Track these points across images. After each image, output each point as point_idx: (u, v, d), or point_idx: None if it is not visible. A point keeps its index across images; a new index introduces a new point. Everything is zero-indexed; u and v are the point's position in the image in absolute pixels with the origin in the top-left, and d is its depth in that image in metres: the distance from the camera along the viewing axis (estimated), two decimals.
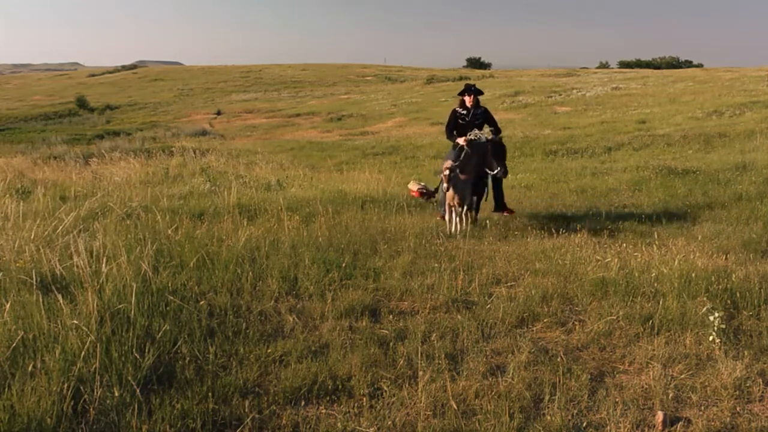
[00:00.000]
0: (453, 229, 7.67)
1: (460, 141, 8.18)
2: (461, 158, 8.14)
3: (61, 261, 4.90)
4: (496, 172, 7.86)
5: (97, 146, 23.68)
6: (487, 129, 8.36)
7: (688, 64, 78.67)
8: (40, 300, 4.05)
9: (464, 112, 8.41)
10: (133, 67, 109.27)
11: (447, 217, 7.95)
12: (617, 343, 4.16)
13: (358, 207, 8.54)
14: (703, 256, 5.75)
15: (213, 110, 50.24)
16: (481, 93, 8.57)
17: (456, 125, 8.47)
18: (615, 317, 4.47)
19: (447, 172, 7.83)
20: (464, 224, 7.70)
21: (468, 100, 8.40)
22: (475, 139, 8.07)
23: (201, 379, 3.57)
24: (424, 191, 10.24)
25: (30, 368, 3.36)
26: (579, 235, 6.79)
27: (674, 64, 78.47)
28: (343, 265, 5.58)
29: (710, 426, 3.19)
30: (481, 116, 8.45)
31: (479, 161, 7.89)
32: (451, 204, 7.87)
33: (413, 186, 10.58)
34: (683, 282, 4.89)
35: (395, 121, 36.41)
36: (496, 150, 7.90)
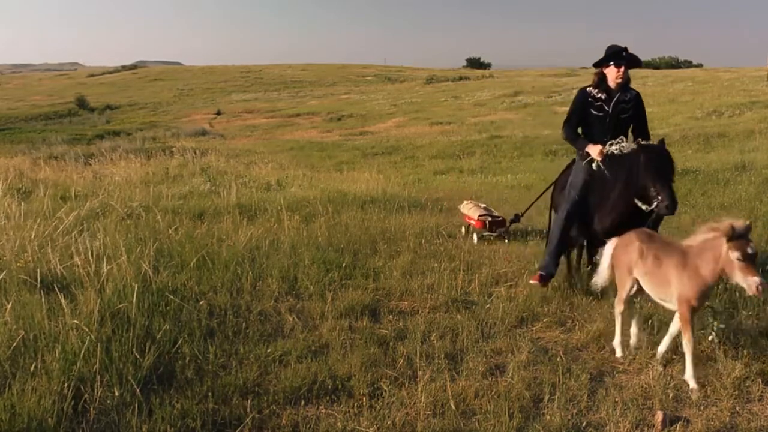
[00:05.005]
0: (619, 344, 4.08)
1: (593, 152, 4.80)
2: (582, 187, 4.94)
3: (62, 261, 4.90)
4: (655, 205, 4.44)
5: (97, 146, 23.70)
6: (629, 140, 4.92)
7: (688, 64, 78.68)
8: (41, 300, 4.05)
9: (602, 96, 4.89)
10: (133, 67, 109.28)
11: (619, 314, 4.11)
12: None
13: (358, 207, 8.54)
14: None
15: (213, 110, 50.25)
16: (639, 64, 4.96)
17: (584, 119, 5.00)
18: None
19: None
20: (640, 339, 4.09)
21: (614, 75, 4.82)
22: (619, 153, 4.75)
23: (201, 379, 3.57)
24: (490, 219, 7.13)
25: (31, 368, 3.37)
26: None
27: (674, 64, 78.45)
28: (343, 265, 5.58)
29: (709, 425, 3.19)
30: (632, 106, 4.92)
31: (626, 188, 4.62)
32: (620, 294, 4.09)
33: (471, 210, 7.35)
34: None
35: (395, 121, 36.40)
36: (658, 165, 4.48)
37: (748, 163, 12.38)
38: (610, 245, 4.17)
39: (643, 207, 4.52)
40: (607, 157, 4.78)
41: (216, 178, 11.65)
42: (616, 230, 4.52)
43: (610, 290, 5.00)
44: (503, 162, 18.62)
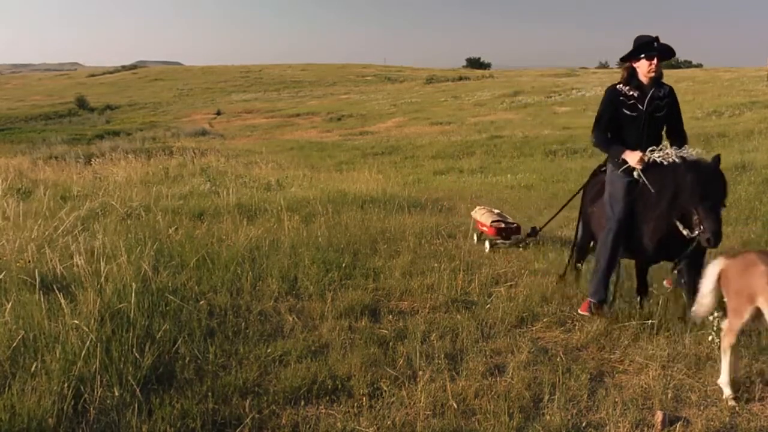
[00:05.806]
0: (728, 383, 3.43)
1: (632, 161, 4.27)
2: (626, 198, 4.35)
3: (62, 261, 4.90)
4: (697, 234, 4.00)
5: (97, 146, 23.72)
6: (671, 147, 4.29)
7: (688, 64, 78.64)
8: (41, 300, 4.05)
9: (634, 93, 4.37)
10: (133, 67, 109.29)
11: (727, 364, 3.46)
12: (617, 343, 4.17)
13: (358, 207, 8.55)
14: None
15: (213, 110, 50.28)
16: (672, 54, 4.47)
17: (615, 121, 4.44)
18: (614, 317, 4.47)
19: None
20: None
21: (647, 68, 4.31)
22: (661, 161, 4.20)
23: (201, 379, 3.57)
24: (503, 226, 6.79)
25: (31, 368, 3.36)
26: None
27: (674, 64, 78.30)
28: (343, 265, 5.59)
29: (709, 426, 3.19)
30: (666, 103, 4.40)
31: (669, 208, 4.12)
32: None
33: (483, 216, 7.02)
34: None
35: (395, 121, 36.40)
36: (706, 188, 3.95)
37: (748, 163, 12.39)
38: (716, 267, 3.52)
39: (684, 232, 4.06)
40: (648, 167, 4.24)
41: (216, 178, 11.66)
42: (661, 250, 4.28)
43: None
44: (503, 162, 18.63)
